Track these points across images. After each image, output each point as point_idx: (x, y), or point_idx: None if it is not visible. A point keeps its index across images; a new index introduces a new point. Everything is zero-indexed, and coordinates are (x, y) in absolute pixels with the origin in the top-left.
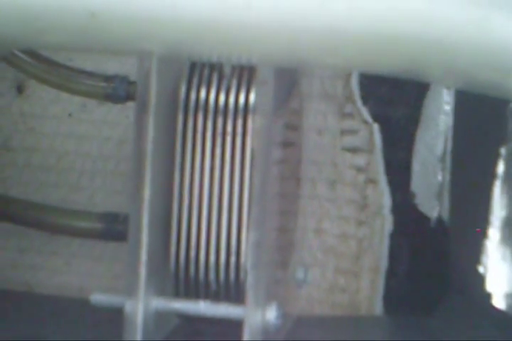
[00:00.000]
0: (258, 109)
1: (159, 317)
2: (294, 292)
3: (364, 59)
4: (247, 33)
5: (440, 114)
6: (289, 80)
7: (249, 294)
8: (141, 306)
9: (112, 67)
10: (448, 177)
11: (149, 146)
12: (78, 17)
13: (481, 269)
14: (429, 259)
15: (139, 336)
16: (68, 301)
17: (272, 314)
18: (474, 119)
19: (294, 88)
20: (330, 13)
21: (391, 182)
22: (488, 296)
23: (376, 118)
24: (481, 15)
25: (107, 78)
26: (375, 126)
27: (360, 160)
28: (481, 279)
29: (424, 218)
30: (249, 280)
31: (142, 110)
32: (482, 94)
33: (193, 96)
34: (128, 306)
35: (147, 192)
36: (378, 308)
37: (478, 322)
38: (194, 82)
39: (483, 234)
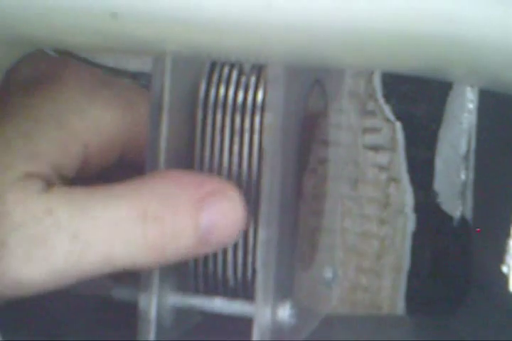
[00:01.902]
0: (268, 106)
1: (178, 314)
2: (321, 292)
3: (387, 58)
4: (267, 34)
5: (463, 112)
6: (307, 78)
7: (259, 292)
8: (155, 300)
9: (133, 65)
10: (471, 176)
11: (163, 145)
12: (99, 18)
13: (504, 269)
14: (452, 258)
15: (152, 331)
16: (88, 298)
17: (284, 312)
18: (499, 117)
19: (315, 86)
20: (352, 14)
21: (413, 181)
22: (511, 296)
23: (399, 116)
24: (506, 13)
25: (133, 75)
26: (398, 124)
27: (383, 158)
28: (504, 279)
29: (446, 217)
30: (259, 278)
31: (156, 110)
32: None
33: (212, 94)
34: (142, 301)
35: None
36: (400, 308)
37: (500, 322)
38: (214, 81)
39: (506, 234)
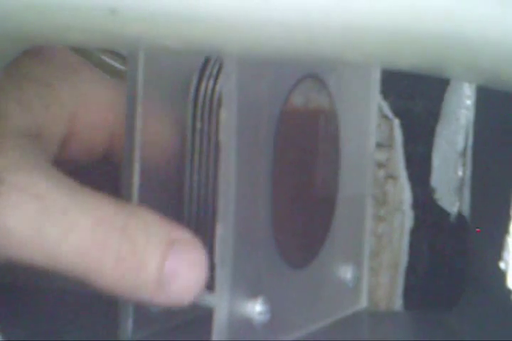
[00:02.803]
0: (223, 102)
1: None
2: (337, 292)
3: (385, 55)
4: (265, 31)
5: (461, 109)
6: (284, 74)
7: (217, 288)
8: None
9: None
10: (469, 172)
11: (137, 139)
12: (97, 14)
13: (502, 265)
14: (449, 255)
15: (130, 316)
16: (88, 296)
17: (253, 309)
18: (496, 114)
19: (308, 82)
20: (350, 10)
21: (411, 178)
22: (508, 293)
23: (396, 113)
24: (504, 11)
25: None
26: (396, 121)
27: (381, 155)
28: (501, 275)
29: (444, 213)
30: (216, 274)
31: (131, 104)
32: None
33: (202, 88)
34: None
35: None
36: (397, 304)
37: (498, 318)
38: (205, 76)
39: (504, 230)
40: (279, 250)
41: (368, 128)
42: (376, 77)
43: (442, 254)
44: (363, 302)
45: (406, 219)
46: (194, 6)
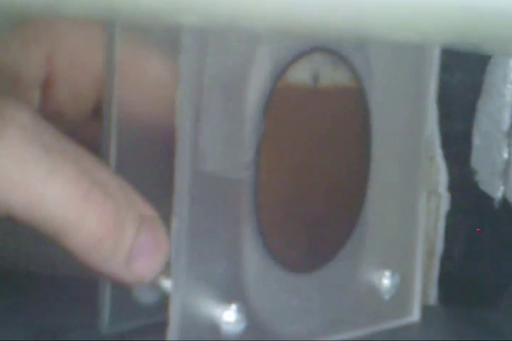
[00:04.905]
0: (179, 80)
1: (163, 296)
2: (364, 301)
3: (433, 33)
4: (309, 11)
5: (506, 83)
6: (273, 50)
7: (173, 287)
8: None
9: None
10: None
11: (114, 110)
12: None
13: None
14: (491, 243)
15: (107, 302)
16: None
17: (221, 315)
18: None
19: (303, 59)
20: None
21: (448, 157)
22: None
23: None
24: None
25: None
26: None
27: None
28: None
29: (486, 198)
30: (172, 271)
31: (109, 78)
32: None
33: None
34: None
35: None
36: (433, 297)
37: None
38: None
39: None
40: (271, 254)
41: (423, 109)
42: (435, 54)
43: (482, 242)
44: (415, 315)
45: (442, 202)
46: None
